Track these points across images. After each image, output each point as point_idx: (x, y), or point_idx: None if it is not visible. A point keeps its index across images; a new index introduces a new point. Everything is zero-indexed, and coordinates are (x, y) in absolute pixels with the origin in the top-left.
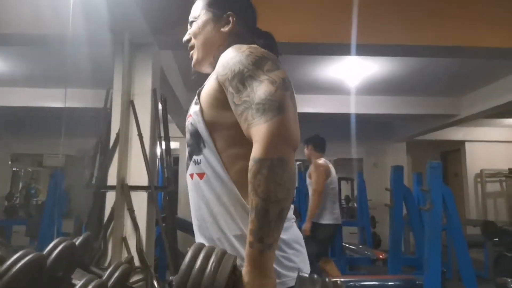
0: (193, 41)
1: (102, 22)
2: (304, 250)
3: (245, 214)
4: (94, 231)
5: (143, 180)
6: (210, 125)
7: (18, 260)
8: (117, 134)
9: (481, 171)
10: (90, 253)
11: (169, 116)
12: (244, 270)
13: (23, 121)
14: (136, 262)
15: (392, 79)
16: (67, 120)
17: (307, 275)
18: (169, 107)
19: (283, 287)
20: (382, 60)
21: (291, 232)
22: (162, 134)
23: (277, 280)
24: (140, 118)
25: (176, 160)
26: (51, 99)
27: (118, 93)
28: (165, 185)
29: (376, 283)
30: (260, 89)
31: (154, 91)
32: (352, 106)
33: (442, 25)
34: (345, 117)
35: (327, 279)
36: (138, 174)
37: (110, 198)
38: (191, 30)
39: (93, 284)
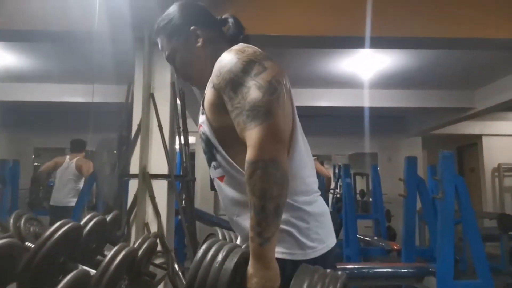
0: (181, 71)
1: (124, 19)
2: (329, 223)
3: None
4: (120, 217)
5: (163, 169)
6: (218, 131)
7: (59, 228)
8: (139, 125)
9: (499, 165)
10: (116, 234)
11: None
12: (249, 263)
13: (47, 116)
14: (158, 247)
15: (405, 72)
16: (91, 115)
17: (310, 265)
18: (186, 102)
19: (307, 258)
20: (396, 53)
21: (316, 206)
22: (181, 127)
23: (300, 251)
24: (160, 110)
25: (193, 155)
26: (76, 94)
27: (139, 87)
28: (184, 174)
29: (389, 270)
30: (249, 96)
31: (173, 84)
32: (366, 100)
33: (456, 16)
34: (359, 111)
35: (327, 270)
36: (158, 163)
37: (133, 186)
38: (174, 64)
39: (125, 250)
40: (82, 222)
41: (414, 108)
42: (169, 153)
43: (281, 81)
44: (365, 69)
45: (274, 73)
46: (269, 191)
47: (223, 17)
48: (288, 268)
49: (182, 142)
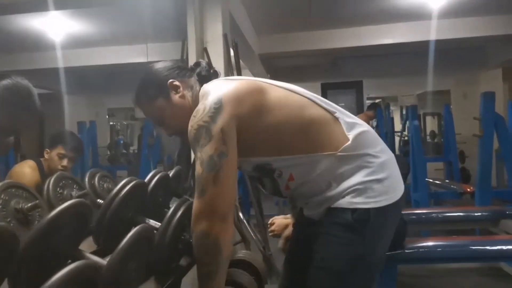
0: (173, 127)
1: None
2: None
3: None
4: (184, 171)
5: None
6: (254, 152)
7: (125, 185)
8: None
9: None
10: (182, 186)
11: (241, 62)
12: None
13: (114, 77)
14: None
15: None
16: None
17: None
18: (240, 52)
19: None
20: None
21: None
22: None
23: (385, 197)
24: (214, 64)
25: None
26: (134, 55)
27: (192, 42)
28: None
29: (460, 214)
30: (195, 168)
31: (225, 36)
32: (437, 33)
33: None
34: (427, 45)
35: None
36: None
37: None
38: (164, 125)
39: (186, 204)
40: (146, 179)
41: (493, 36)
42: None
43: (224, 151)
44: None
45: (217, 144)
46: (201, 258)
47: (194, 63)
48: (373, 215)
49: None
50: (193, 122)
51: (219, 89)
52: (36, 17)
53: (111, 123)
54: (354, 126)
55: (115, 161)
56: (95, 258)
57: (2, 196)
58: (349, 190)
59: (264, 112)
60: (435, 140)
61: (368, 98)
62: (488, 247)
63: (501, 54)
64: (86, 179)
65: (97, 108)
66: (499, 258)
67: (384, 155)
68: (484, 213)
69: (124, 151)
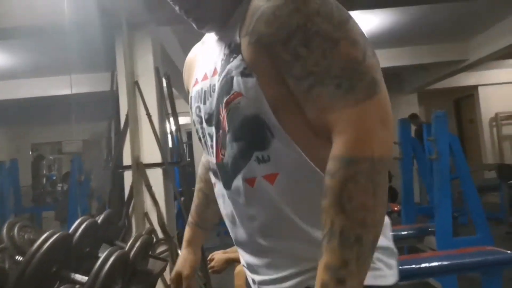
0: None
1: (99, 6)
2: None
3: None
4: (117, 209)
5: (157, 158)
6: (275, 106)
7: (46, 239)
8: (126, 115)
9: (496, 114)
10: (115, 229)
11: (175, 92)
12: None
13: (40, 110)
14: (160, 234)
15: (394, 30)
16: (78, 105)
17: None
18: (174, 83)
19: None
20: (381, 12)
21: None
22: (170, 111)
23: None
24: (146, 97)
25: (190, 135)
26: (59, 87)
27: (122, 75)
28: (178, 160)
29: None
30: (338, 55)
31: (157, 70)
32: None
33: None
34: None
35: None
36: (151, 152)
37: (128, 176)
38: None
39: (115, 254)
40: (71, 229)
41: (407, 65)
42: (161, 140)
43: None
44: None
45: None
46: (372, 212)
47: None
48: None
49: (173, 127)
50: None
51: None
52: None
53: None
54: None
55: (41, 201)
56: None
57: None
58: None
59: None
60: None
61: None
62: (415, 266)
63: (414, 80)
64: (4, 231)
65: (19, 142)
66: (427, 275)
67: None
68: (410, 231)
69: (50, 188)
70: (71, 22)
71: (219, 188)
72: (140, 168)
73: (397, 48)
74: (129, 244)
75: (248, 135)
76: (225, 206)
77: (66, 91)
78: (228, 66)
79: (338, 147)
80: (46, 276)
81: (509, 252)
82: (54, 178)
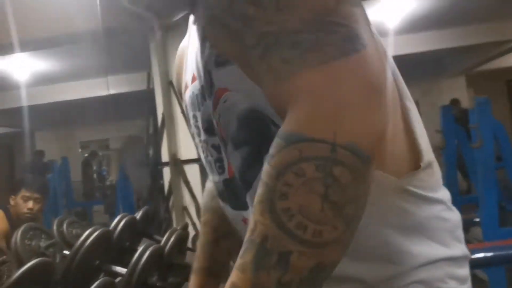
0: None
1: (132, 9)
2: None
3: None
4: (156, 204)
5: (193, 154)
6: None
7: (88, 236)
8: (163, 114)
9: None
10: (155, 224)
11: None
12: None
13: (81, 112)
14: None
15: (434, 12)
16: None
17: None
18: None
19: None
20: None
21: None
22: None
23: None
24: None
25: None
26: (97, 88)
27: (157, 75)
28: None
29: None
30: (297, 3)
31: None
32: (398, 48)
33: None
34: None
35: None
36: (188, 148)
37: (167, 173)
38: None
39: (151, 248)
40: (111, 226)
41: (452, 48)
42: None
43: None
44: (391, 17)
45: None
46: (317, 222)
47: None
48: None
49: None
50: None
51: None
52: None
53: (85, 154)
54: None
55: (91, 196)
56: None
57: None
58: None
59: None
60: None
61: None
62: None
63: (460, 63)
64: (55, 227)
65: (68, 142)
66: (472, 267)
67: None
68: None
69: (100, 183)
70: (106, 27)
71: (233, 213)
72: (177, 164)
73: (438, 30)
74: (164, 239)
75: (250, 137)
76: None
77: (102, 92)
78: (205, 59)
79: (287, 122)
80: (90, 269)
81: None
82: (105, 173)
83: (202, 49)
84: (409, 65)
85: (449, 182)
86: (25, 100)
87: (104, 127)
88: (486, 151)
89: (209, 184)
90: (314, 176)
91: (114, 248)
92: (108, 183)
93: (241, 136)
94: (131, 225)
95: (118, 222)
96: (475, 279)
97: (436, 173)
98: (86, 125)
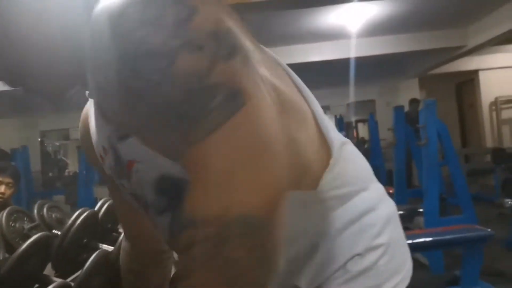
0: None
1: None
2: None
3: None
4: None
5: None
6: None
7: (78, 216)
8: None
9: (496, 98)
10: None
11: None
12: None
13: (43, 101)
14: None
15: (394, 17)
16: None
17: None
18: None
19: None
20: (381, 1)
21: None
22: None
23: None
24: None
25: None
26: None
27: None
28: None
29: None
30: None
31: None
32: (359, 49)
33: None
34: (353, 61)
35: None
36: None
37: None
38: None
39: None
40: (96, 208)
41: (407, 52)
42: None
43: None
44: (353, 20)
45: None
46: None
47: None
48: None
49: None
50: None
51: None
52: None
53: (45, 144)
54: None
55: (50, 185)
56: (62, 280)
57: None
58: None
59: None
60: (365, 146)
61: None
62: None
63: (415, 66)
64: (35, 211)
65: (27, 131)
66: (412, 250)
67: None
68: (400, 212)
69: (60, 173)
70: None
71: None
72: None
73: (396, 35)
74: (97, 206)
75: (171, 204)
76: None
77: None
78: (107, 133)
79: (184, 200)
80: (79, 246)
81: (489, 230)
82: (64, 163)
83: (102, 123)
84: (369, 66)
85: (397, 176)
86: None
87: (65, 117)
88: (430, 148)
89: (125, 244)
90: (208, 257)
91: (99, 228)
92: (66, 173)
93: (161, 204)
94: (112, 208)
95: (102, 206)
96: (417, 263)
97: (351, 160)
98: (47, 115)
